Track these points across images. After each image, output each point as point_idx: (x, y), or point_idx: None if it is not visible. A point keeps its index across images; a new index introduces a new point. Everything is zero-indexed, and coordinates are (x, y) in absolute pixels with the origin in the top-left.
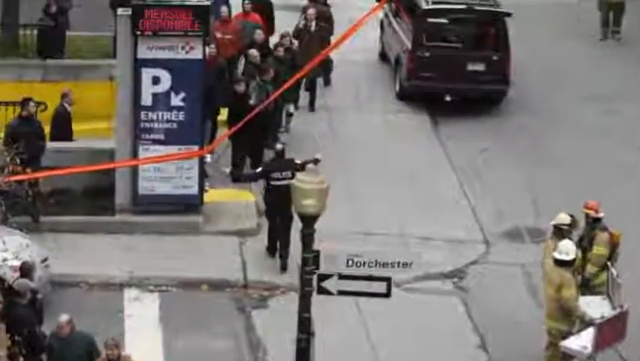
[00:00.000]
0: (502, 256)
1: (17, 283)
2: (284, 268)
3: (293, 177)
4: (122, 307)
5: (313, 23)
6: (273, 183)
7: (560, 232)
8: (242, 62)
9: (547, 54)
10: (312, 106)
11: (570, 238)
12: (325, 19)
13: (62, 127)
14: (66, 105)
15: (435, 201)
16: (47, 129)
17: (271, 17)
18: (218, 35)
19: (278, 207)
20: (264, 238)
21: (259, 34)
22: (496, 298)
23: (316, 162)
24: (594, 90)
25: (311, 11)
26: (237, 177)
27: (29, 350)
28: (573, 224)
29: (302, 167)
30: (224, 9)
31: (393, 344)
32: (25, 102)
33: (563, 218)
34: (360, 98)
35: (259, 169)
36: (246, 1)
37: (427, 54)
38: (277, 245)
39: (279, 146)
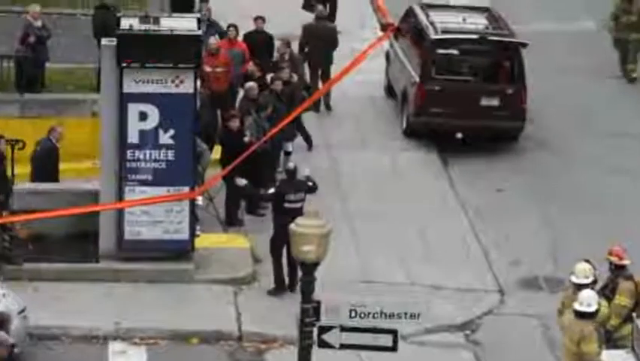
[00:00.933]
0: (517, 306)
1: None
2: (292, 288)
3: (305, 198)
4: None
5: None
6: (286, 205)
7: (586, 285)
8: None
9: (566, 87)
10: (308, 143)
11: (592, 288)
12: (326, 36)
13: (49, 165)
14: (53, 140)
15: (445, 246)
16: (24, 169)
17: (270, 51)
18: (208, 69)
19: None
20: (260, 286)
21: (253, 68)
22: (511, 352)
23: (309, 181)
24: (616, 127)
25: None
26: (250, 195)
27: None
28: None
29: (310, 188)
30: (212, 40)
31: None
32: None
33: (588, 270)
34: (364, 135)
35: (272, 190)
36: (231, 28)
37: (437, 88)
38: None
39: (290, 165)
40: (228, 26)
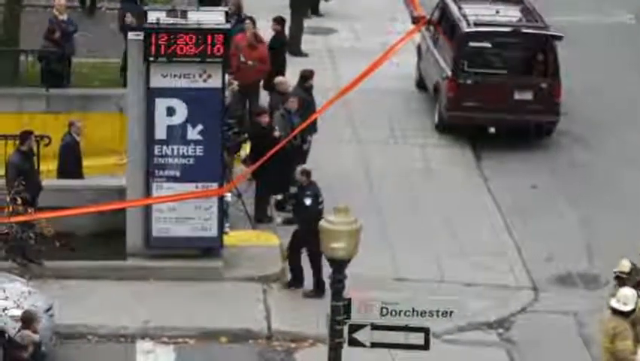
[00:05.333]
0: (552, 304)
1: (19, 335)
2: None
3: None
4: None
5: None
6: (320, 206)
7: (621, 281)
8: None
9: (602, 81)
10: None
11: (632, 286)
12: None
13: (71, 160)
14: (74, 135)
15: (478, 243)
16: (51, 165)
17: (283, 55)
18: (242, 59)
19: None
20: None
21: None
22: (545, 350)
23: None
24: None
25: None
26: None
27: None
28: (633, 272)
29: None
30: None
31: None
32: (25, 136)
33: (623, 265)
34: (395, 130)
35: (308, 201)
36: (247, 21)
37: (469, 82)
38: (303, 274)
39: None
40: (244, 18)
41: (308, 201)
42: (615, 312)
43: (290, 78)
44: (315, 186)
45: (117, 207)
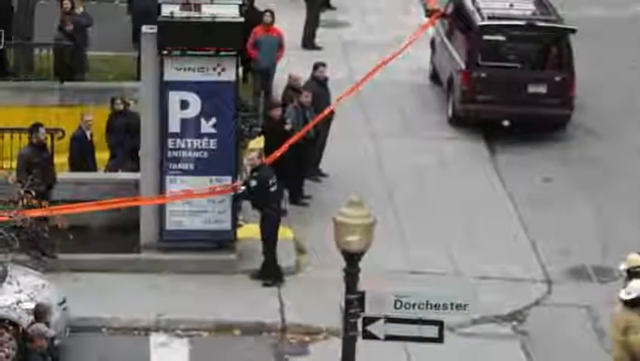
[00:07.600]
0: (566, 296)
1: (32, 328)
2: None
3: None
4: (148, 354)
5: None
6: (271, 189)
7: (634, 275)
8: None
9: (616, 75)
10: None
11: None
12: None
13: (82, 154)
14: (84, 129)
15: (492, 236)
16: (65, 159)
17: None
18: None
19: (278, 211)
20: (304, 276)
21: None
22: (559, 343)
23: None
24: None
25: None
26: (237, 196)
27: None
28: None
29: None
30: None
31: None
32: (34, 128)
33: (635, 260)
34: (409, 123)
35: (254, 182)
36: (267, 13)
37: (483, 75)
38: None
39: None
40: (264, 11)
41: (253, 183)
42: (626, 304)
43: (303, 72)
44: (267, 168)
45: (132, 204)
